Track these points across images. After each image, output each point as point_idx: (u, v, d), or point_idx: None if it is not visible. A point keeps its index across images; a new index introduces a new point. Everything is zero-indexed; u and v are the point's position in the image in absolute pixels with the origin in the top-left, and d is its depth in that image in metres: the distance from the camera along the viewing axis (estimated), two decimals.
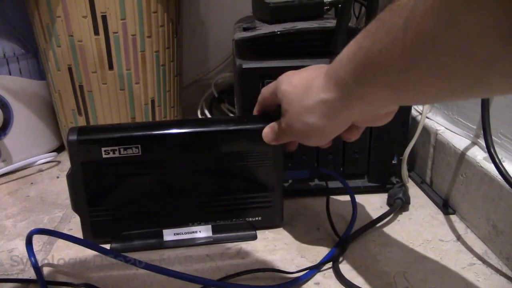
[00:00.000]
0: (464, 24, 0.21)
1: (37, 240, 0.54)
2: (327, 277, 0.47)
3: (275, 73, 0.57)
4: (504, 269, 0.47)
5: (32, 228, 0.48)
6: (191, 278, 0.44)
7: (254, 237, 0.54)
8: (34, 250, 0.48)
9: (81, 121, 0.71)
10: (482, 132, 0.51)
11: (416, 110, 0.68)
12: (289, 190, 0.62)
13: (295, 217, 0.58)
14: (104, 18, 0.63)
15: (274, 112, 0.48)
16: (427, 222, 0.57)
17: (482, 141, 0.53)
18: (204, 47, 0.97)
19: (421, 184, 0.66)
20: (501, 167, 0.47)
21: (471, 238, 0.53)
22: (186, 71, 0.92)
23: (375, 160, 0.62)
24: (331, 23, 0.57)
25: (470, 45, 0.22)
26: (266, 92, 0.48)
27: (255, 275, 0.47)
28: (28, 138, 0.76)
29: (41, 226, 0.58)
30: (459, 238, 0.53)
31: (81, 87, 0.68)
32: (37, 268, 0.46)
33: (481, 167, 0.52)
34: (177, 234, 0.53)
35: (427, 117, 0.66)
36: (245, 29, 0.58)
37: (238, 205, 0.53)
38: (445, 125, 0.63)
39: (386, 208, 0.59)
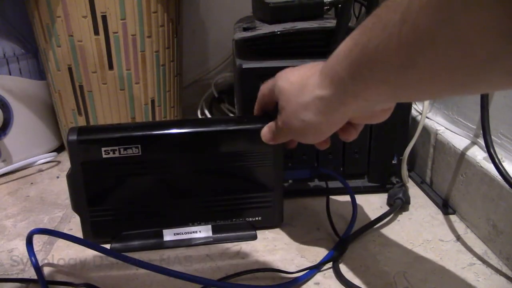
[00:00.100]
0: (463, 22, 0.21)
1: (37, 240, 0.54)
2: (327, 277, 0.47)
3: (275, 73, 0.57)
4: (504, 269, 0.47)
5: (32, 228, 0.48)
6: (191, 278, 0.44)
7: (254, 237, 0.54)
8: (34, 250, 0.48)
9: (81, 121, 0.71)
10: (482, 132, 0.51)
11: (416, 110, 0.68)
12: (289, 190, 0.62)
13: (295, 217, 0.58)
14: (104, 18, 0.63)
15: (273, 110, 0.48)
16: (427, 222, 0.57)
17: (482, 141, 0.53)
18: (204, 47, 0.97)
19: (421, 184, 0.66)
20: (501, 167, 0.47)
21: (471, 238, 0.53)
22: (186, 71, 0.92)
23: (375, 160, 0.62)
24: (331, 23, 0.57)
25: (469, 43, 0.22)
26: (265, 89, 0.48)
27: (255, 275, 0.47)
28: (28, 138, 0.76)
29: (41, 226, 0.58)
30: (459, 238, 0.53)
31: (81, 87, 0.68)
32: (37, 268, 0.46)
33: (481, 167, 0.52)
34: (177, 234, 0.53)
35: (427, 117, 0.66)
36: (245, 29, 0.58)
37: (238, 205, 0.53)
38: (445, 125, 0.63)
39: (386, 208, 0.59)
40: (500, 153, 0.49)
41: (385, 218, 0.56)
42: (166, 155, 0.50)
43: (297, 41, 0.57)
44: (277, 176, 0.52)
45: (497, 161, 0.47)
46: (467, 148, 0.56)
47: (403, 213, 0.59)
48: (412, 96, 0.35)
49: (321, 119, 0.38)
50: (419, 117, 0.63)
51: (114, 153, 0.49)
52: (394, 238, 0.53)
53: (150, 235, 0.53)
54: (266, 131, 0.48)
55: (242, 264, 0.49)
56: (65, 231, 0.56)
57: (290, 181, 0.62)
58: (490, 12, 0.20)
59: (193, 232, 0.53)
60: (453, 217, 0.57)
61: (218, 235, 0.53)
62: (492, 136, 0.50)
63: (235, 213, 0.54)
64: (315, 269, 0.47)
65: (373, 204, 0.61)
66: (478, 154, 0.54)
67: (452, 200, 0.59)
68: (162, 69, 0.71)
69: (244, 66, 0.55)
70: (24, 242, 0.48)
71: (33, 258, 0.47)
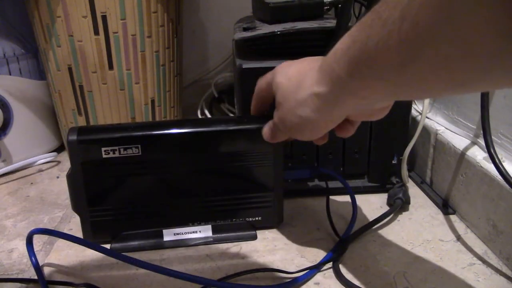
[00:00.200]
0: (462, 21, 0.21)
1: (37, 240, 0.54)
2: (327, 277, 0.47)
3: None
4: (504, 269, 0.47)
5: (32, 228, 0.48)
6: (191, 278, 0.44)
7: (254, 237, 0.54)
8: (34, 250, 0.48)
9: (81, 121, 0.71)
10: (482, 132, 0.51)
11: (416, 110, 0.68)
12: (289, 190, 0.62)
13: (295, 217, 0.58)
14: (104, 18, 0.63)
15: (270, 105, 0.48)
16: (427, 222, 0.57)
17: (482, 141, 0.53)
18: (204, 47, 0.97)
19: (421, 184, 0.66)
20: (501, 167, 0.47)
21: (471, 238, 0.53)
22: (186, 71, 0.92)
23: (375, 160, 0.62)
24: (331, 23, 0.57)
25: (468, 42, 0.22)
26: (262, 83, 0.47)
27: (255, 275, 0.47)
28: (28, 138, 0.76)
29: (41, 226, 0.58)
30: (459, 238, 0.53)
31: (81, 87, 0.68)
32: (37, 268, 0.46)
33: (481, 167, 0.52)
34: (177, 234, 0.53)
35: (427, 117, 0.66)
36: (245, 29, 0.58)
37: (238, 205, 0.53)
38: (445, 125, 0.63)
39: (386, 208, 0.59)
40: (500, 153, 0.49)
41: (385, 218, 0.56)
42: (166, 155, 0.50)
43: (297, 41, 0.57)
44: (277, 176, 0.52)
45: (497, 161, 0.47)
46: (467, 148, 0.56)
47: (403, 213, 0.59)
48: (411, 94, 0.35)
49: (318, 115, 0.37)
50: (419, 117, 0.63)
51: (114, 153, 0.49)
52: (394, 238, 0.53)
53: (150, 235, 0.53)
54: (266, 129, 0.47)
55: (242, 264, 0.49)
56: (65, 231, 0.56)
57: (290, 181, 0.62)
58: (489, 11, 0.20)
59: (193, 232, 0.53)
60: (453, 217, 0.57)
61: (218, 235, 0.53)
62: (492, 136, 0.50)
63: (235, 213, 0.54)
64: (315, 269, 0.47)
65: (373, 204, 0.61)
66: (478, 154, 0.54)
67: (452, 200, 0.59)
68: (162, 69, 0.71)
69: (244, 66, 0.55)
70: (24, 242, 0.48)
71: (33, 258, 0.47)
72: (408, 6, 0.24)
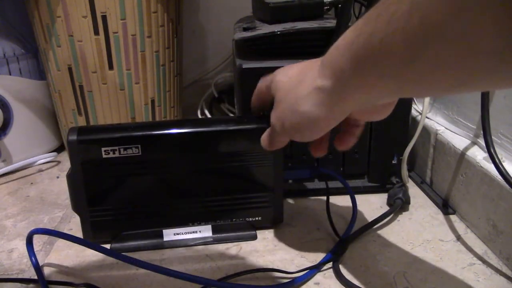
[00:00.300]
0: (470, 18, 0.21)
1: (37, 240, 0.54)
2: (327, 277, 0.47)
3: None
4: (504, 269, 0.47)
5: (32, 228, 0.48)
6: (191, 278, 0.44)
7: (254, 237, 0.54)
8: (34, 250, 0.48)
9: (81, 121, 0.71)
10: (482, 132, 0.51)
11: (416, 110, 0.68)
12: (289, 190, 0.62)
13: (295, 217, 0.58)
14: (104, 18, 0.63)
15: (269, 107, 0.47)
16: (427, 222, 0.57)
17: (482, 141, 0.53)
18: (204, 47, 0.97)
19: (421, 184, 0.66)
20: (501, 167, 0.47)
21: (471, 238, 0.53)
22: (186, 71, 0.92)
23: (375, 160, 0.62)
24: (331, 23, 0.57)
25: (474, 40, 0.21)
26: (262, 85, 0.46)
27: (255, 275, 0.47)
28: (28, 138, 0.76)
29: (41, 226, 0.58)
30: (459, 238, 0.53)
31: (81, 87, 0.68)
32: (37, 268, 0.46)
33: (481, 167, 0.52)
34: (177, 234, 0.53)
35: (427, 117, 0.66)
36: (245, 29, 0.58)
37: (238, 205, 0.53)
38: (445, 125, 0.63)
39: (386, 208, 0.59)
40: (500, 153, 0.49)
41: (385, 218, 0.56)
42: (166, 155, 0.50)
43: (297, 41, 0.57)
44: (277, 176, 0.52)
45: (497, 161, 0.47)
46: (467, 148, 0.56)
47: (403, 213, 0.59)
48: (417, 91, 0.34)
49: (319, 111, 0.35)
50: (419, 117, 0.63)
51: (114, 153, 0.49)
52: (394, 238, 0.53)
53: (150, 235, 0.53)
54: (264, 136, 0.46)
55: (242, 264, 0.49)
56: (65, 231, 0.56)
57: (290, 181, 0.62)
58: (493, 11, 0.20)
59: (193, 232, 0.53)
60: (453, 217, 0.57)
61: (218, 235, 0.53)
62: (492, 136, 0.50)
63: (235, 213, 0.54)
64: (315, 269, 0.47)
65: (373, 204, 0.61)
66: (478, 154, 0.54)
67: (452, 200, 0.59)
68: (162, 69, 0.71)
69: (244, 66, 0.55)
70: (24, 242, 0.48)
71: (33, 258, 0.47)
72: (418, 0, 0.23)
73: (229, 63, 0.97)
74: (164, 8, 0.68)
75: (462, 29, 0.22)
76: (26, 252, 0.47)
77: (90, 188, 0.50)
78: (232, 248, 0.52)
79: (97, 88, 0.67)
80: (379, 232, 0.55)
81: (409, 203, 0.59)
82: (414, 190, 0.64)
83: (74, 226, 0.58)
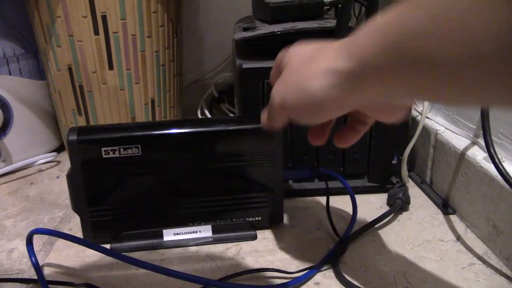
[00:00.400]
0: None
1: (37, 240, 0.54)
2: (327, 277, 0.47)
3: None
4: (504, 269, 0.47)
5: (32, 228, 0.48)
6: (191, 278, 0.44)
7: (254, 237, 0.54)
8: (34, 250, 0.48)
9: (81, 121, 0.71)
10: (482, 132, 0.51)
11: (416, 110, 0.68)
12: (289, 190, 0.62)
13: (295, 217, 0.58)
14: (104, 18, 0.63)
15: None
16: (427, 222, 0.57)
17: (482, 141, 0.53)
18: (204, 47, 0.97)
19: (421, 184, 0.66)
20: (501, 167, 0.47)
21: (471, 238, 0.53)
22: (186, 71, 0.92)
23: (375, 160, 0.62)
24: (331, 23, 0.57)
25: None
26: (280, 56, 0.40)
27: (255, 275, 0.47)
28: (28, 138, 0.76)
29: (41, 226, 0.58)
30: (459, 238, 0.53)
31: (81, 87, 0.68)
32: (37, 268, 0.46)
33: (481, 167, 0.52)
34: (177, 234, 0.53)
35: (427, 117, 0.66)
36: (245, 29, 0.58)
37: (238, 205, 0.53)
38: (445, 125, 0.63)
39: (386, 208, 0.59)
40: (500, 153, 0.49)
41: (385, 218, 0.56)
42: (166, 155, 0.50)
43: (297, 41, 0.57)
44: (277, 176, 0.52)
45: (497, 161, 0.47)
46: (467, 148, 0.56)
47: (403, 213, 0.59)
48: (459, 99, 0.27)
49: (328, 94, 0.31)
50: (419, 117, 0.63)
51: (114, 153, 0.49)
52: (394, 238, 0.53)
53: (150, 235, 0.53)
54: (263, 111, 0.40)
55: (242, 264, 0.49)
56: (65, 231, 0.56)
57: (290, 181, 0.62)
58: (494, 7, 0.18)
59: (193, 232, 0.53)
60: (453, 217, 0.57)
61: (218, 235, 0.53)
62: (492, 136, 0.50)
63: (235, 213, 0.54)
64: (315, 269, 0.47)
65: (373, 204, 0.61)
66: (478, 154, 0.54)
67: (452, 200, 0.59)
68: (162, 69, 0.71)
69: (244, 66, 0.55)
70: (24, 242, 0.48)
71: (33, 258, 0.47)
72: None
73: (229, 63, 0.97)
74: (164, 8, 0.68)
75: None
76: (26, 252, 0.47)
77: (90, 188, 0.50)
78: (232, 248, 0.52)
79: (97, 88, 0.67)
80: (379, 232, 0.55)
81: (409, 203, 0.59)
82: (414, 190, 0.64)
83: (74, 226, 0.58)
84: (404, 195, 0.59)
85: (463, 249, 0.51)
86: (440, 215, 0.58)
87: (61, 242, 0.54)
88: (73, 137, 0.48)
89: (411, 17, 0.24)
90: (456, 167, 0.57)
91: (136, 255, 0.50)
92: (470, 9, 0.20)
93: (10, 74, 0.72)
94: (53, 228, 0.57)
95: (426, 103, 0.61)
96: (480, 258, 0.49)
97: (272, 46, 0.58)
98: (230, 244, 0.53)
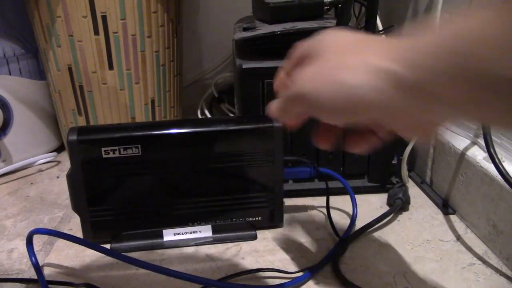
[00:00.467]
0: None
1: (37, 240, 0.54)
2: (327, 277, 0.47)
3: (275, 73, 0.57)
4: (504, 269, 0.47)
5: (32, 228, 0.48)
6: (191, 278, 0.44)
7: (254, 237, 0.54)
8: (34, 250, 0.48)
9: (81, 121, 0.71)
10: (482, 132, 0.51)
11: None
12: (289, 190, 0.62)
13: (295, 217, 0.58)
14: (104, 18, 0.63)
15: None
16: (427, 222, 0.57)
17: (482, 141, 0.53)
18: (204, 47, 0.97)
19: (421, 184, 0.66)
20: (501, 167, 0.47)
21: (471, 238, 0.53)
22: (186, 71, 0.92)
23: (375, 160, 0.62)
24: (331, 23, 0.57)
25: None
26: (306, 46, 0.34)
27: (255, 275, 0.47)
28: (28, 138, 0.76)
29: (41, 226, 0.58)
30: (459, 238, 0.53)
31: (81, 87, 0.68)
32: (37, 268, 0.46)
33: (481, 167, 0.52)
34: (177, 234, 0.53)
35: None
36: (245, 29, 0.58)
37: (238, 205, 0.53)
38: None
39: (386, 208, 0.59)
40: (500, 153, 0.49)
41: (385, 218, 0.56)
42: (166, 155, 0.50)
43: (297, 41, 0.57)
44: (277, 176, 0.52)
45: (497, 161, 0.47)
46: (467, 148, 0.56)
47: (403, 213, 0.59)
48: None
49: (373, 95, 0.26)
50: None
51: (114, 153, 0.49)
52: (394, 238, 0.53)
53: (150, 235, 0.53)
54: (275, 101, 0.34)
55: (242, 264, 0.49)
56: (65, 231, 0.56)
57: (290, 181, 0.62)
58: None
59: (193, 232, 0.53)
60: (453, 217, 0.57)
61: (218, 235, 0.53)
62: (492, 136, 0.50)
63: (235, 213, 0.54)
64: (315, 269, 0.47)
65: (373, 204, 0.61)
66: (478, 154, 0.54)
67: (452, 200, 0.59)
68: (162, 69, 0.71)
69: (244, 66, 0.55)
70: (24, 242, 0.48)
71: (33, 258, 0.47)
72: None
73: (229, 63, 0.97)
74: (164, 8, 0.68)
75: None
76: (26, 252, 0.47)
77: (90, 188, 0.50)
78: (232, 248, 0.52)
79: (97, 88, 0.67)
80: (379, 232, 0.55)
81: (409, 203, 0.59)
82: (414, 190, 0.64)
83: (74, 226, 0.58)
84: (404, 195, 0.59)
85: (463, 249, 0.51)
86: (440, 215, 0.58)
87: (61, 242, 0.54)
88: (73, 137, 0.48)
89: (489, 29, 0.21)
90: (456, 167, 0.57)
91: (136, 255, 0.50)
92: None
93: (10, 74, 0.72)
94: (53, 228, 0.57)
95: None
96: (480, 258, 0.49)
97: (272, 46, 0.58)
98: (230, 244, 0.53)
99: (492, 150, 0.48)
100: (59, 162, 0.78)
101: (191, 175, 0.51)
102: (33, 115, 0.77)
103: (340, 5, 0.57)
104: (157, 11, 0.67)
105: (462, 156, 0.56)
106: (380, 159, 0.62)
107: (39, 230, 0.48)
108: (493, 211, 0.50)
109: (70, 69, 0.67)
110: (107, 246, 0.52)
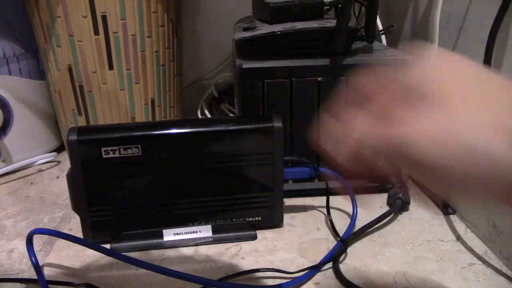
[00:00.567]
0: None
1: (37, 240, 0.54)
2: (327, 277, 0.47)
3: (275, 73, 0.57)
4: (504, 269, 0.47)
5: (32, 228, 0.48)
6: (191, 278, 0.44)
7: (254, 237, 0.54)
8: (34, 250, 0.48)
9: (81, 121, 0.71)
10: None
11: None
12: (289, 190, 0.62)
13: (295, 217, 0.58)
14: (104, 18, 0.63)
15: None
16: (427, 222, 0.57)
17: None
18: (204, 47, 0.97)
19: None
20: None
21: (471, 238, 0.53)
22: (186, 71, 0.92)
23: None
24: (331, 23, 0.57)
25: None
26: (406, 78, 0.26)
27: (255, 275, 0.47)
28: (28, 138, 0.76)
29: (41, 226, 0.58)
30: (459, 238, 0.53)
31: (81, 87, 0.68)
32: (37, 268, 0.46)
33: None
34: (177, 234, 0.53)
35: None
36: (245, 29, 0.58)
37: (238, 205, 0.53)
38: None
39: (386, 208, 0.59)
40: None
41: (385, 218, 0.56)
42: (166, 155, 0.50)
43: (297, 41, 0.57)
44: (277, 176, 0.52)
45: None
46: None
47: (403, 213, 0.59)
48: None
49: (501, 161, 0.20)
50: None
51: (114, 153, 0.49)
52: (394, 238, 0.53)
53: (150, 235, 0.53)
54: (343, 141, 0.26)
55: (242, 264, 0.49)
56: (65, 231, 0.56)
57: (290, 181, 0.62)
58: None
59: (193, 232, 0.53)
60: (453, 217, 0.57)
61: (218, 235, 0.53)
62: None
63: (235, 213, 0.54)
64: (315, 269, 0.47)
65: (373, 204, 0.61)
66: None
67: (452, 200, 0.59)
68: (162, 69, 0.71)
69: (244, 66, 0.55)
70: (24, 242, 0.48)
71: (33, 258, 0.47)
72: None
73: (229, 63, 0.97)
74: (164, 8, 0.68)
75: None
76: (26, 252, 0.47)
77: (90, 188, 0.50)
78: (232, 248, 0.52)
79: (97, 88, 0.67)
80: (379, 232, 0.55)
81: (409, 203, 0.59)
82: (414, 190, 0.64)
83: (74, 226, 0.58)
84: (404, 195, 0.59)
85: (463, 249, 0.51)
86: (440, 215, 0.58)
87: (61, 242, 0.54)
88: (73, 137, 0.48)
89: None
90: None
91: (136, 255, 0.50)
92: None
93: (10, 74, 0.72)
94: (53, 228, 0.57)
95: None
96: (480, 258, 0.49)
97: (272, 46, 0.58)
98: (230, 244, 0.53)
99: None
100: (59, 162, 0.78)
101: (191, 175, 0.51)
102: (33, 115, 0.77)
103: (340, 5, 0.57)
104: (157, 11, 0.67)
105: None
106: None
107: (39, 230, 0.48)
108: (493, 211, 0.50)
109: (70, 69, 0.67)
110: (107, 246, 0.52)
